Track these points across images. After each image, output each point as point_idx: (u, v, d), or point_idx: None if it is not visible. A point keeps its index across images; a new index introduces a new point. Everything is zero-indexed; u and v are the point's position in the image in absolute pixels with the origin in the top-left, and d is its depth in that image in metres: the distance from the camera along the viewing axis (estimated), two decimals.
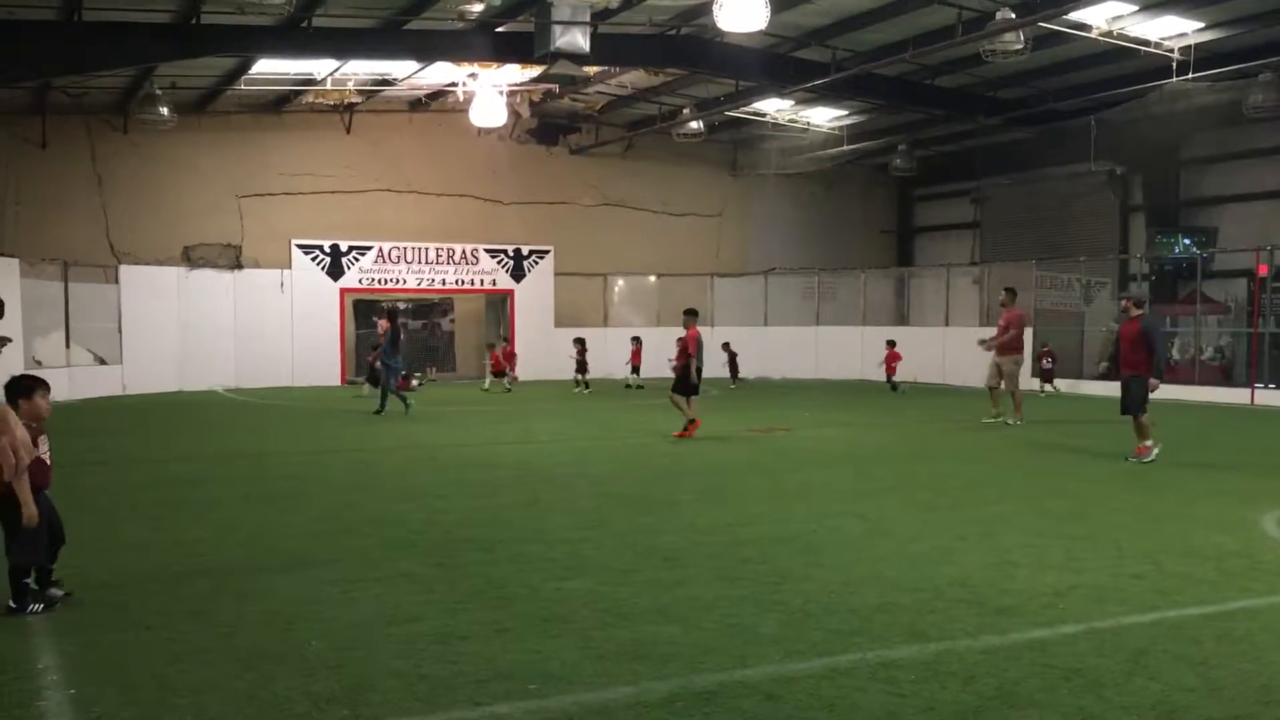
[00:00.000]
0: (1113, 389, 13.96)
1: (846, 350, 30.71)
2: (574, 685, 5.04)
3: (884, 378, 26.44)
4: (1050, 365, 25.59)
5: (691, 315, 16.58)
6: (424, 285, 29.90)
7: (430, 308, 32.30)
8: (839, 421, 17.62)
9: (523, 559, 7.76)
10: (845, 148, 30.63)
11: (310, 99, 27.48)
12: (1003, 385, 17.66)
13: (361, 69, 25.31)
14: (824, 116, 29.65)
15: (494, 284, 30.67)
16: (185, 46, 20.11)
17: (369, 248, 29.05)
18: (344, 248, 28.82)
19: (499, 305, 31.39)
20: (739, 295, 33.04)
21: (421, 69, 24.84)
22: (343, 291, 28.91)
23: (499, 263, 30.58)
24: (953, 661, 5.38)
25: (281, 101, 27.48)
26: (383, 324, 21.57)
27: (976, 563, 7.63)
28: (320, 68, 24.70)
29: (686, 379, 16.16)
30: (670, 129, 29.19)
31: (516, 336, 30.32)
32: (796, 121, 29.92)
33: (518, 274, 30.82)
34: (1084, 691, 4.96)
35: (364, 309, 30.44)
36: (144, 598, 6.68)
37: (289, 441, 16.00)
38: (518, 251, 30.80)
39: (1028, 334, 22.83)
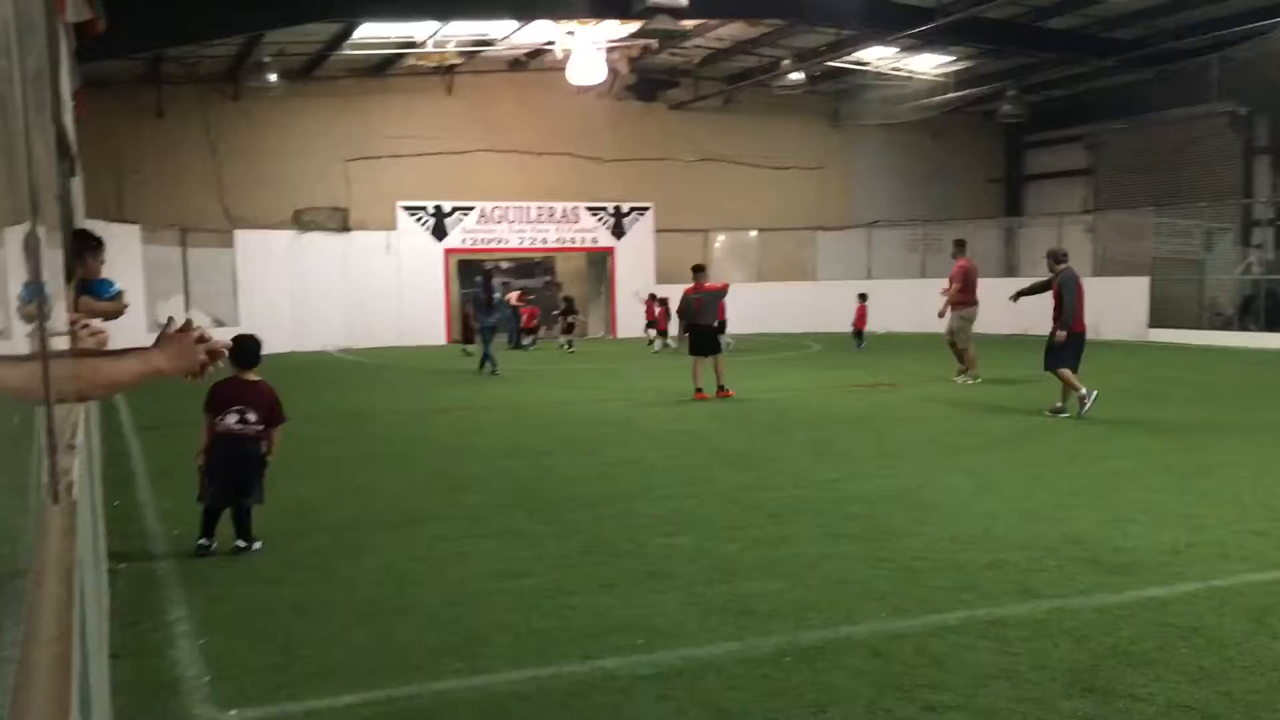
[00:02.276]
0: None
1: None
2: (680, 640, 5.11)
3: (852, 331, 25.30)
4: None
5: (699, 272, 15.98)
6: (526, 245, 30.18)
7: (532, 267, 32.58)
8: (946, 376, 17.33)
9: (628, 516, 7.86)
10: (951, 95, 29.86)
11: (412, 61, 27.79)
12: (952, 340, 17.26)
13: (462, 30, 25.48)
14: (929, 64, 28.91)
15: (594, 242, 30.80)
16: (291, 13, 20.51)
17: (471, 208, 29.38)
18: (447, 209, 29.21)
19: (600, 263, 31.53)
20: (842, 249, 32.64)
21: (520, 28, 24.90)
22: (446, 252, 29.33)
23: (599, 220, 30.68)
24: (1065, 619, 5.31)
25: (384, 65, 27.85)
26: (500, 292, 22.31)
27: (1090, 519, 7.48)
28: (421, 30, 24.94)
29: (703, 338, 15.50)
30: (770, 81, 28.79)
31: (616, 293, 30.43)
32: (900, 70, 29.24)
33: (618, 231, 30.89)
34: (1204, 651, 4.85)
35: (468, 269, 30.86)
36: (269, 553, 6.96)
37: (398, 400, 16.37)
38: (618, 209, 30.86)
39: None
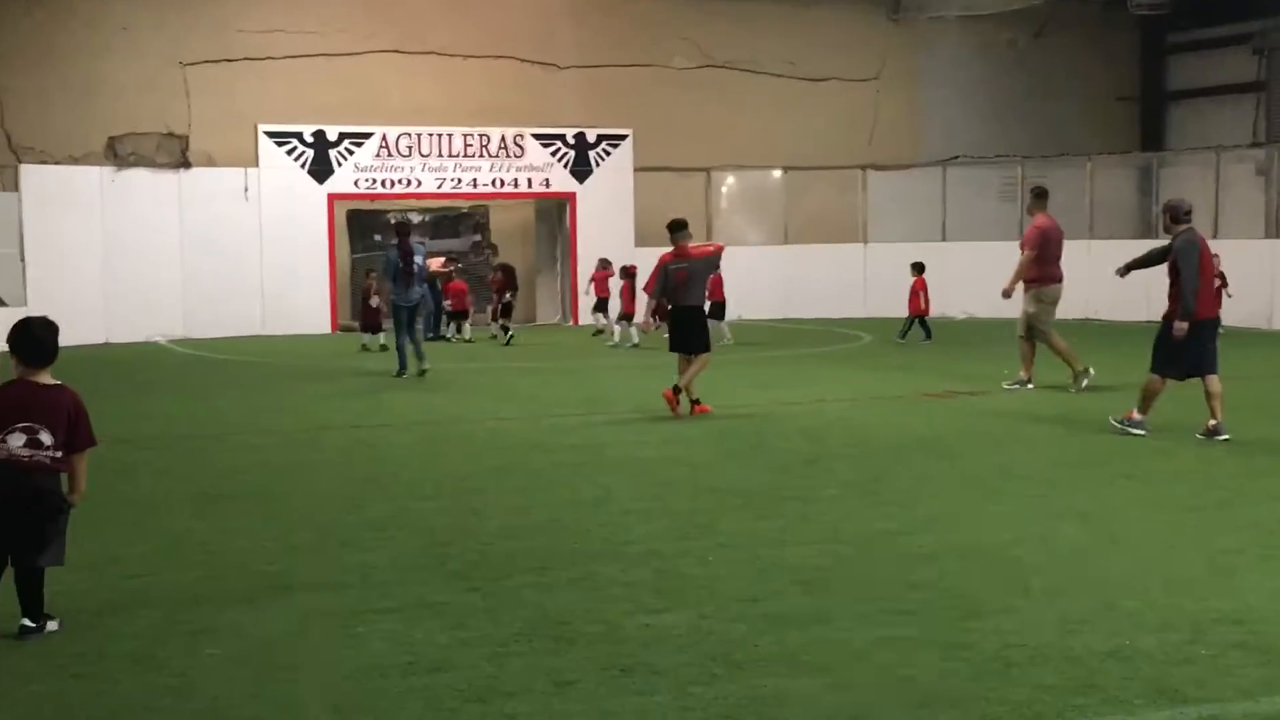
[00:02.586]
0: None
1: (1067, 274, 30.19)
2: None
3: (908, 315, 25.29)
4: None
5: (679, 230, 15.66)
6: (447, 189, 30.16)
7: (455, 222, 32.55)
8: (1052, 379, 17.37)
9: (593, 582, 7.85)
10: None
11: None
12: (1023, 333, 17.50)
13: None
14: None
15: (546, 185, 30.86)
16: None
17: (368, 135, 29.34)
18: (333, 136, 29.16)
19: (553, 216, 31.46)
20: (904, 197, 32.68)
21: None
22: (331, 198, 29.29)
23: (554, 154, 30.70)
24: None
25: None
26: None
27: (1257, 589, 7.52)
28: None
29: (688, 327, 15.43)
30: None
31: (578, 260, 30.46)
32: None
33: (581, 170, 30.94)
34: None
35: (363, 223, 30.77)
36: (70, 636, 6.90)
37: (261, 415, 16.25)
38: (580, 137, 30.90)
39: None
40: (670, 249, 15.62)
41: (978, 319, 30.02)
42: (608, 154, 31.08)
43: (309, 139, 29.06)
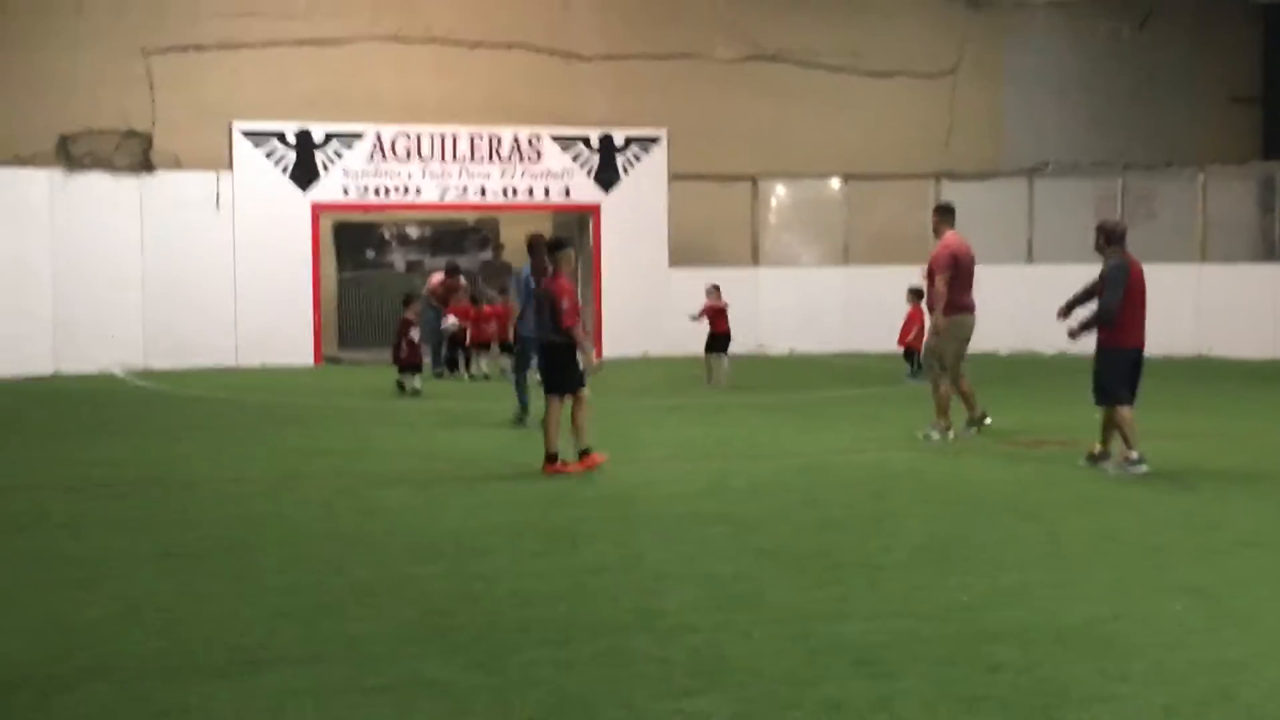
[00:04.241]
0: None
1: (1172, 302, 30.06)
2: None
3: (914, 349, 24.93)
4: None
5: (559, 251, 15.66)
6: (450, 198, 30.20)
7: (462, 235, 32.65)
8: (1160, 428, 17.28)
9: (619, 658, 7.83)
10: None
11: None
12: (929, 368, 17.82)
13: None
14: None
15: (566, 194, 30.95)
16: None
17: (359, 136, 29.48)
18: (318, 136, 29.30)
19: (575, 229, 31.55)
20: (985, 209, 32.46)
21: None
22: (316, 208, 29.42)
23: (575, 158, 30.79)
24: None
25: None
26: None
27: None
28: None
29: (557, 364, 15.25)
30: None
31: (604, 280, 30.48)
32: None
33: (607, 177, 31.02)
34: None
35: (353, 238, 30.85)
36: (8, 715, 6.92)
37: (231, 461, 16.28)
38: (606, 140, 31.00)
39: None
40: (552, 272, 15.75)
41: (1068, 355, 29.95)
42: (638, 159, 31.17)
43: (291, 139, 29.18)
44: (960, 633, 8.37)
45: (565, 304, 15.03)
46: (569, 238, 16.34)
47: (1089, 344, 14.94)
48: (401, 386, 23.62)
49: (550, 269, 15.78)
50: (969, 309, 17.64)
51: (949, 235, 17.84)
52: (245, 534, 11.72)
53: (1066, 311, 15.49)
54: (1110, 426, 14.64)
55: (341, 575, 10.10)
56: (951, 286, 17.45)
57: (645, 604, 9.13)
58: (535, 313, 15.65)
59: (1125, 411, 14.37)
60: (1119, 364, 14.49)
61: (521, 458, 15.98)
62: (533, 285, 18.65)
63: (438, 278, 27.71)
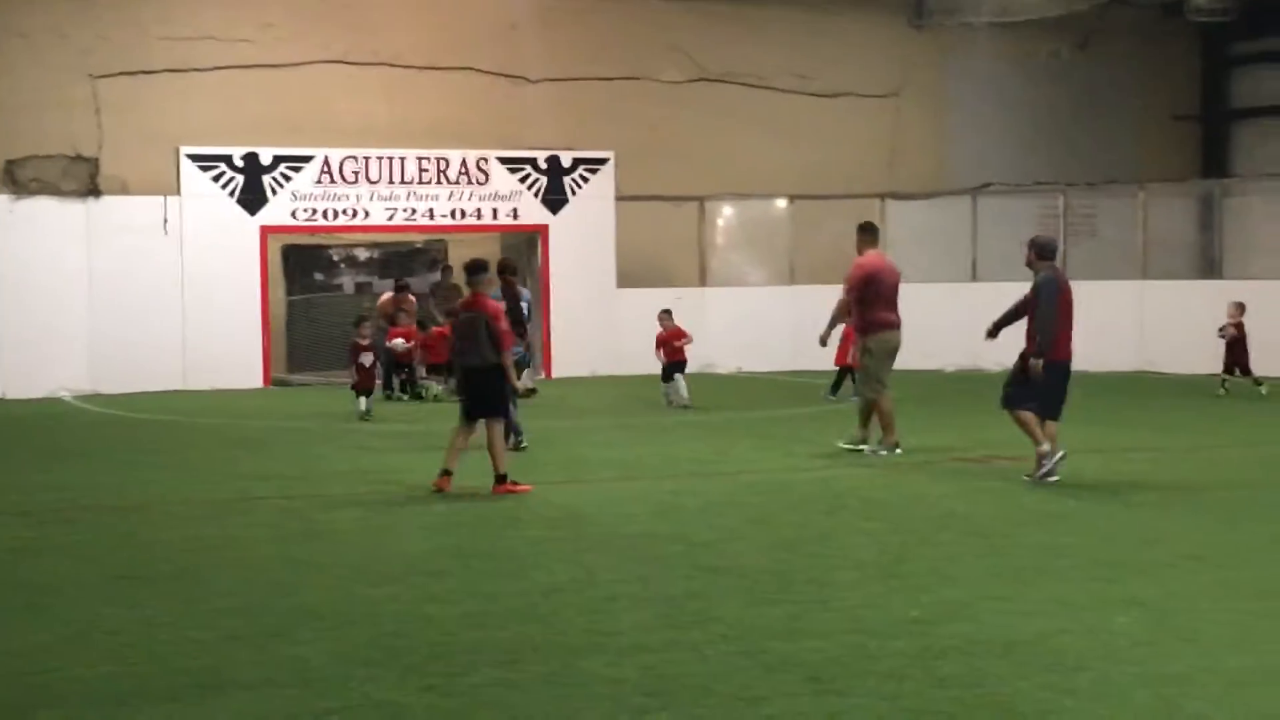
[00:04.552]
0: None
1: (1115, 320, 30.22)
2: None
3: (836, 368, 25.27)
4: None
5: (476, 275, 15.61)
6: (399, 220, 30.17)
7: (411, 256, 32.57)
8: (1102, 443, 17.42)
9: (571, 679, 7.84)
10: None
11: None
12: (869, 388, 17.80)
13: None
14: None
15: (514, 216, 30.94)
16: None
17: (307, 159, 29.38)
18: (266, 159, 29.17)
19: (523, 251, 31.55)
20: (929, 229, 32.66)
21: None
22: (265, 231, 29.31)
23: (523, 180, 30.77)
24: None
25: None
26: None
27: None
28: None
29: (489, 388, 15.14)
30: None
31: (553, 300, 30.50)
32: None
33: (554, 199, 31.02)
34: None
35: (302, 260, 30.73)
36: None
37: (181, 484, 16.18)
38: (553, 161, 31.00)
39: None
40: (466, 293, 15.93)
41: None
42: (585, 180, 31.19)
43: (239, 163, 29.05)
44: (909, 648, 8.41)
45: (503, 325, 15.05)
46: (485, 261, 16.00)
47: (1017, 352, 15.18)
48: (362, 415, 22.95)
49: (470, 292, 15.69)
50: (893, 325, 17.75)
51: (870, 254, 18.15)
52: (195, 558, 11.67)
53: (994, 332, 15.81)
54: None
55: (292, 598, 10.07)
56: (873, 304, 17.70)
57: (597, 624, 9.15)
58: (458, 338, 15.42)
59: (1029, 416, 14.90)
60: (1047, 379, 14.76)
61: (472, 480, 15.99)
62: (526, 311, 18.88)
63: (387, 296, 27.69)
